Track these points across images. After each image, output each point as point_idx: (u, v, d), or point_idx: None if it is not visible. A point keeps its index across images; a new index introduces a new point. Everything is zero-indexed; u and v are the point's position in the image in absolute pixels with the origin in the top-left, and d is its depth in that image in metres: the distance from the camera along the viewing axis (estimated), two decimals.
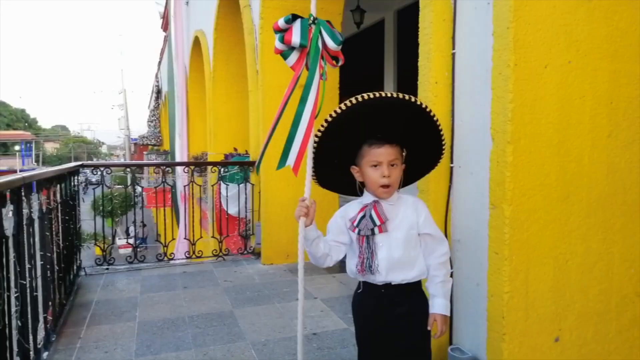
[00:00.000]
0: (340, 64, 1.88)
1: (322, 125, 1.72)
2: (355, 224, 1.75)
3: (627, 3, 2.04)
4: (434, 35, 2.30)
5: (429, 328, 1.73)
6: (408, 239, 1.73)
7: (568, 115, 1.99)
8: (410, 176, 1.91)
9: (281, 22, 1.81)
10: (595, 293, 2.10)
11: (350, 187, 1.87)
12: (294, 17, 1.80)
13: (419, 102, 1.73)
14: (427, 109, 1.75)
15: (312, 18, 1.81)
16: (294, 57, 1.84)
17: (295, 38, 1.78)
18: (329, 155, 1.81)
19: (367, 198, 1.79)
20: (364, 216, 1.73)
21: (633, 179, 2.13)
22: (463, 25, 2.21)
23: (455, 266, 2.25)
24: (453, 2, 2.25)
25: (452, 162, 2.30)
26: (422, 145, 1.83)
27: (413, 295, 1.76)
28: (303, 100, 1.77)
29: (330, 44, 1.79)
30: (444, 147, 1.86)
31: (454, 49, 2.27)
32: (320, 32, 1.80)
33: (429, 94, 2.32)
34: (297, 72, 1.81)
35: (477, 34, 2.11)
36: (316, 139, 1.75)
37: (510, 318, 1.96)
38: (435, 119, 1.77)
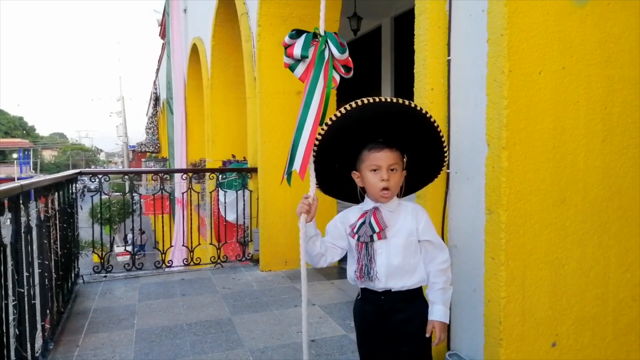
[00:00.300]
0: (351, 71, 1.93)
1: (322, 129, 1.74)
2: (355, 230, 1.76)
3: (619, 9, 2.07)
4: (429, 42, 2.32)
5: (427, 335, 1.73)
6: (407, 246, 1.73)
7: (563, 120, 2.01)
8: (413, 184, 1.92)
9: (287, 39, 1.89)
10: (591, 297, 2.11)
11: (351, 194, 1.88)
12: (299, 32, 1.87)
13: (418, 108, 1.73)
14: (428, 115, 1.74)
15: (316, 32, 1.87)
16: (300, 68, 1.91)
17: (297, 50, 1.86)
18: (330, 160, 1.83)
19: (367, 204, 1.79)
20: (363, 223, 1.74)
21: (628, 184, 2.15)
22: (458, 33, 2.23)
23: (452, 272, 2.25)
24: (448, 10, 2.27)
25: (448, 168, 2.31)
26: (424, 152, 1.84)
27: (413, 302, 1.76)
28: (307, 106, 1.82)
29: (336, 53, 1.86)
30: (446, 155, 1.85)
31: (449, 55, 2.29)
32: (327, 42, 1.86)
33: (425, 100, 2.34)
34: (307, 83, 1.87)
35: (472, 41, 2.13)
36: (316, 143, 1.76)
37: (507, 323, 1.96)
38: (435, 124, 1.76)
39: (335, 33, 1.88)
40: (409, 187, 1.90)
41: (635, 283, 2.20)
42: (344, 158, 1.81)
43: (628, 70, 2.10)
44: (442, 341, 1.74)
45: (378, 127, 1.74)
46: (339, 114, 1.70)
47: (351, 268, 1.80)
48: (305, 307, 1.85)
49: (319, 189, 1.91)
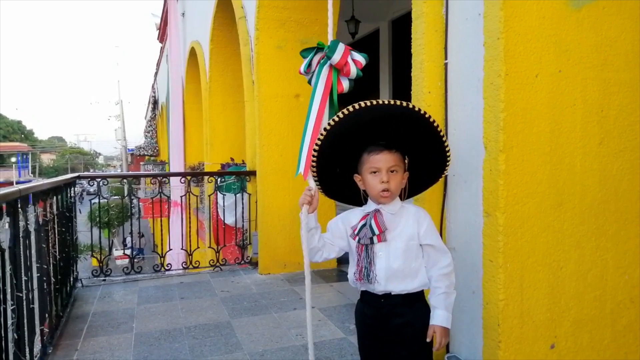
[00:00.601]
0: (348, 71, 1.97)
1: (321, 134, 1.75)
2: (355, 232, 1.76)
3: (615, 13, 2.08)
4: (426, 46, 2.32)
5: (428, 340, 1.71)
6: (408, 250, 1.73)
7: (559, 123, 2.02)
8: (418, 186, 1.92)
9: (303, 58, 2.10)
10: (589, 299, 2.12)
11: (355, 197, 1.88)
12: (308, 50, 2.07)
13: (416, 109, 1.72)
14: (426, 115, 1.73)
15: (319, 45, 2.02)
16: (314, 80, 2.06)
17: (301, 68, 2.06)
18: (332, 164, 1.83)
19: (369, 206, 1.80)
20: (364, 225, 1.74)
21: (625, 186, 2.15)
22: (455, 36, 2.24)
23: None
24: (445, 14, 2.28)
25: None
26: (426, 153, 1.82)
27: (414, 305, 1.75)
28: (309, 112, 1.94)
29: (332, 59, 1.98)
30: (448, 154, 1.82)
31: (446, 59, 2.29)
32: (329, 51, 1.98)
33: (423, 103, 2.34)
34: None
35: (468, 45, 2.14)
36: (316, 148, 1.77)
37: (506, 325, 1.97)
38: (435, 124, 1.74)
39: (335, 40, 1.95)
40: (414, 189, 1.90)
41: (633, 285, 2.20)
42: (345, 162, 1.82)
43: (624, 74, 2.11)
44: (443, 346, 1.73)
45: (378, 129, 1.74)
46: (336, 119, 1.71)
47: (351, 270, 1.81)
48: (309, 301, 1.86)
49: (323, 193, 1.94)
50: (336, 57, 1.94)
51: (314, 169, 1.82)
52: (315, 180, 1.86)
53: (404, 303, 1.74)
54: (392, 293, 1.74)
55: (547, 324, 2.04)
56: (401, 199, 1.81)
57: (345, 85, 2.00)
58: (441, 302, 1.72)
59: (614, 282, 2.16)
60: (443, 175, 1.95)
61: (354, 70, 1.97)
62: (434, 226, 1.78)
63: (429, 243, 1.74)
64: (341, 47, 1.97)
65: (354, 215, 1.82)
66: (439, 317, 1.71)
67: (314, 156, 1.79)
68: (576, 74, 2.03)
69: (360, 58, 1.98)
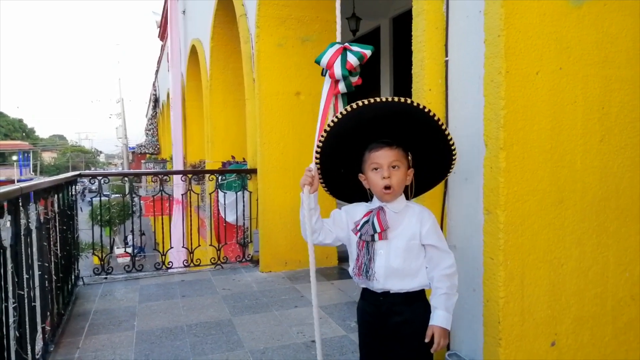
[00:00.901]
0: (332, 74, 1.97)
1: (322, 135, 1.75)
2: (358, 227, 1.76)
3: (616, 10, 2.07)
4: (427, 43, 2.32)
5: (426, 340, 1.69)
6: (409, 249, 1.72)
7: (560, 120, 2.01)
8: (425, 183, 1.92)
9: None
10: (590, 297, 2.11)
11: (362, 197, 1.88)
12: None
13: (415, 104, 1.72)
14: (426, 110, 1.72)
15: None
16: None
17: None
18: (336, 165, 1.84)
19: (374, 203, 1.80)
20: (367, 221, 1.74)
21: (626, 183, 2.15)
22: (455, 34, 2.24)
23: None
24: (445, 11, 2.28)
25: None
26: (431, 148, 1.81)
27: (413, 304, 1.75)
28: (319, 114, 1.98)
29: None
30: (453, 148, 1.80)
31: (446, 56, 2.29)
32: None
33: (423, 101, 2.34)
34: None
35: (469, 42, 2.14)
36: (317, 150, 1.77)
37: (506, 323, 1.97)
38: (436, 118, 1.73)
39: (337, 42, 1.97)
40: (421, 187, 1.90)
41: (634, 282, 2.20)
42: (350, 162, 1.82)
43: (625, 71, 2.11)
44: (442, 347, 1.70)
45: (380, 128, 1.74)
46: (335, 119, 1.71)
47: (351, 264, 1.81)
48: (315, 295, 1.87)
49: (329, 193, 1.95)
50: (324, 61, 1.96)
51: (318, 168, 1.83)
52: (321, 181, 1.87)
53: (403, 302, 1.74)
54: (391, 291, 1.73)
55: (547, 321, 2.04)
56: (407, 198, 1.80)
57: (340, 86, 2.01)
58: (442, 302, 1.71)
59: (615, 280, 2.16)
60: (450, 172, 1.93)
61: (338, 73, 1.98)
62: (437, 227, 1.77)
63: (430, 243, 1.73)
64: (332, 50, 1.99)
65: (358, 210, 1.82)
66: (438, 318, 1.70)
67: (316, 158, 1.80)
68: (577, 71, 2.03)
69: (353, 58, 1.98)
